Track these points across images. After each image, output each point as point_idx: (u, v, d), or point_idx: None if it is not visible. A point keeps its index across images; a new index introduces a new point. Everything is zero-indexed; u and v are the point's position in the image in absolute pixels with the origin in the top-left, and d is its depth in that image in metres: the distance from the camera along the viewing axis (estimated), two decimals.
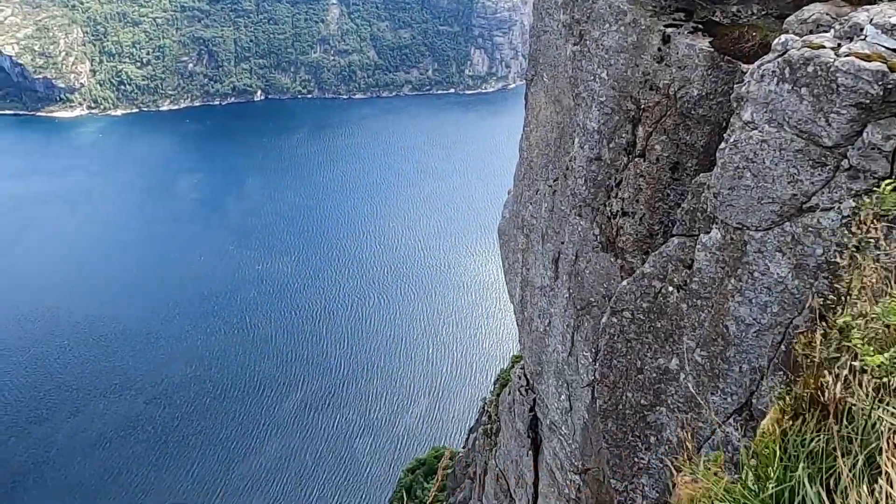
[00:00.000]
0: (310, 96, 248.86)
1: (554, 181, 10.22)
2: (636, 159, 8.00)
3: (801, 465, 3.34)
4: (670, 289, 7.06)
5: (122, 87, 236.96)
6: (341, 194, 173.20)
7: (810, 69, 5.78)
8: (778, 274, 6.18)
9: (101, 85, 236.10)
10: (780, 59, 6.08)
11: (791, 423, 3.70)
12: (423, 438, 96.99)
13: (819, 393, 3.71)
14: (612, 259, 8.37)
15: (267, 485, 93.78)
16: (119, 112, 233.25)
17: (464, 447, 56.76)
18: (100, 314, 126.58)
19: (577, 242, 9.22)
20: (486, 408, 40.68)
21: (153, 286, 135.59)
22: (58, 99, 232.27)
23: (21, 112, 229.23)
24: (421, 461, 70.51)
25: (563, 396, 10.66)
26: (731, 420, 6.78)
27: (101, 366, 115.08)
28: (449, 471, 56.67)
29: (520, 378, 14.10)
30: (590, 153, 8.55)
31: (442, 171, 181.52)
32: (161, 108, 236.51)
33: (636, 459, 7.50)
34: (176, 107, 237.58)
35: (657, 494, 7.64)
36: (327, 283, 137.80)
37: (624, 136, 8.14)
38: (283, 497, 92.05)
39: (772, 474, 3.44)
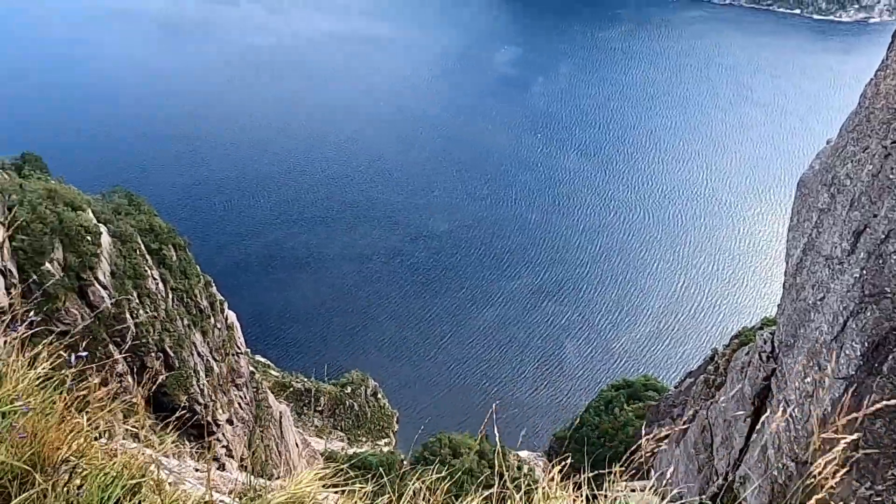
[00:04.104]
0: None
1: (892, 143, 8.67)
2: None
3: None
4: None
5: None
6: (643, 100, 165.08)
7: None
8: None
9: None
10: None
11: None
12: (637, 363, 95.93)
13: None
14: None
15: (479, 345, 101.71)
16: None
17: (676, 387, 55.08)
18: (389, 151, 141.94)
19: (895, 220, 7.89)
20: (715, 358, 38.54)
21: (432, 141, 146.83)
22: None
23: None
24: (628, 382, 70.34)
25: (808, 379, 9.71)
26: None
27: (376, 196, 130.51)
28: (654, 402, 55.88)
29: (765, 342, 13.00)
30: None
31: (760, 99, 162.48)
32: None
33: None
34: None
35: None
36: (599, 183, 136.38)
37: None
38: (489, 360, 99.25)
39: None
